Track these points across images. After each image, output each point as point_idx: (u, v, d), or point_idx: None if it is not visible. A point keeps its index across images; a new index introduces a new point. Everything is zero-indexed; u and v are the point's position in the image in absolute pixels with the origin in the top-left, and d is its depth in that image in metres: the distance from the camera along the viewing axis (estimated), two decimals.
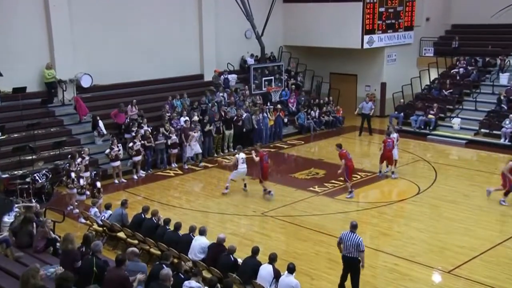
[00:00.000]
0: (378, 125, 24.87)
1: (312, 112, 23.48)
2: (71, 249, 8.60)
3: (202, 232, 10.56)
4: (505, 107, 21.42)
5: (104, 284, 7.67)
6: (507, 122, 20.28)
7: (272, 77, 22.32)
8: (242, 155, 15.55)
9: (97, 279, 7.89)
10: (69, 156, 15.35)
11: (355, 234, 9.62)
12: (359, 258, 9.61)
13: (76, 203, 14.27)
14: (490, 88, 22.93)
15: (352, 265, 9.72)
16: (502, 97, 21.68)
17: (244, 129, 20.45)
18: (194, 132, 17.93)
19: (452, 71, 24.93)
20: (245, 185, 15.81)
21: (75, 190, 14.08)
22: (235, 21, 23.95)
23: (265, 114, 21.35)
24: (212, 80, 22.99)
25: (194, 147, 18.03)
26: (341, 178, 15.49)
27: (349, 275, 9.84)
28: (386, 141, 16.54)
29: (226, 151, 20.12)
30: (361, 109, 22.37)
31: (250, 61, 24.72)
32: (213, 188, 16.26)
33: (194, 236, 10.61)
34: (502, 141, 20.22)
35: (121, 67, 20.51)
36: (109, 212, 12.49)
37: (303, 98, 24.20)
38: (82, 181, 14.05)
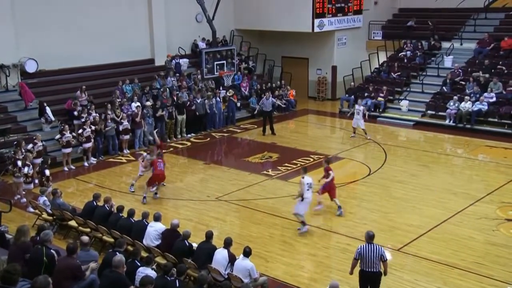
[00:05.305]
0: (329, 108, 25.30)
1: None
2: (22, 241, 8.31)
3: (157, 218, 10.47)
4: (449, 89, 22.11)
5: (55, 274, 7.50)
6: (452, 103, 21.01)
7: (224, 61, 22.14)
8: (308, 180, 11.83)
9: (48, 269, 7.70)
10: (15, 143, 14.83)
11: (374, 244, 8.52)
12: (381, 270, 8.55)
13: (23, 192, 13.83)
14: (435, 70, 23.64)
15: (375, 280, 8.58)
16: (447, 80, 22.35)
17: (197, 113, 20.34)
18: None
19: (399, 54, 25.52)
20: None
21: (22, 179, 13.62)
22: (185, 4, 23.56)
23: (218, 99, 21.26)
24: (165, 65, 22.65)
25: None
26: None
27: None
28: None
29: (179, 136, 19.96)
30: (261, 106, 20.41)
31: (202, 45, 24.46)
32: (167, 174, 16.07)
33: (147, 223, 10.52)
34: (447, 122, 20.92)
35: (68, 51, 19.84)
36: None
37: (255, 83, 24.21)
38: (27, 169, 13.58)
